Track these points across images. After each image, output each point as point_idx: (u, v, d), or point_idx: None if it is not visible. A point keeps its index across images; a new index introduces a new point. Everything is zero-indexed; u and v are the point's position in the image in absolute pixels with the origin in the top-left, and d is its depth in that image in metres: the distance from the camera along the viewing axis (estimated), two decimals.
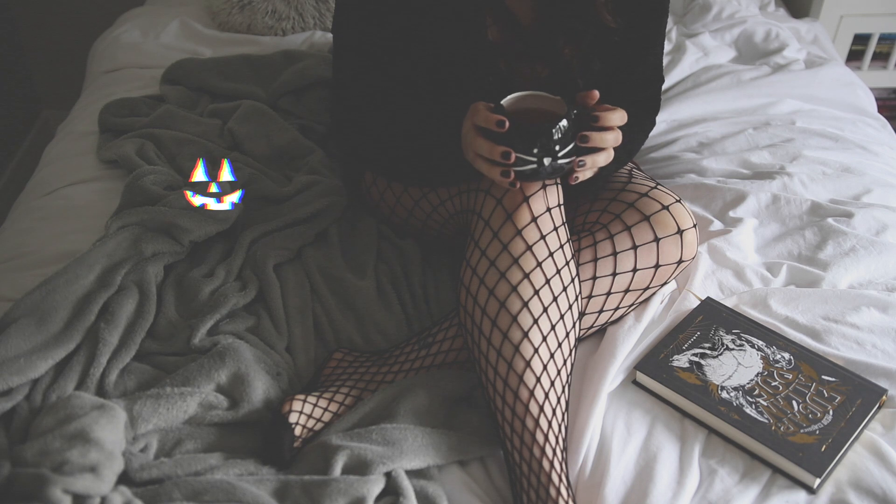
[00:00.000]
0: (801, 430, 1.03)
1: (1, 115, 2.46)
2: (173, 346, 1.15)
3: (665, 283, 1.19)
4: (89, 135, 1.60)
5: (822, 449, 1.00)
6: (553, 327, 1.01)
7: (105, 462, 0.93)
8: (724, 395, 1.08)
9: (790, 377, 1.10)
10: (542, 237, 1.01)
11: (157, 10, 2.01)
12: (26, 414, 1.02)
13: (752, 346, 1.14)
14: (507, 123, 0.94)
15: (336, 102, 1.29)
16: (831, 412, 1.05)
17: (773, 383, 1.09)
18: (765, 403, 1.06)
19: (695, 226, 1.15)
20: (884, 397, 1.07)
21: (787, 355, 1.12)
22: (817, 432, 1.03)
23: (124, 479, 0.98)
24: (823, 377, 1.09)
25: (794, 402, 1.06)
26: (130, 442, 1.01)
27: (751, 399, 1.07)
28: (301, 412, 1.05)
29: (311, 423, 1.05)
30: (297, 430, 1.04)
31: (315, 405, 1.07)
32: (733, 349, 1.14)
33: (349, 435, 1.03)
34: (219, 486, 0.95)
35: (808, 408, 1.06)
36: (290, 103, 1.61)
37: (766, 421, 1.04)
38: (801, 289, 1.24)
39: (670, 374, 1.11)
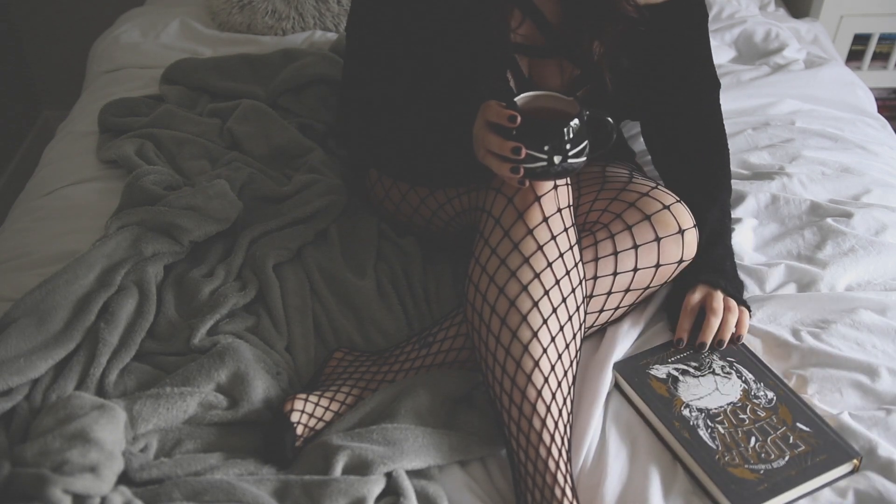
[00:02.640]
0: (746, 466, 0.99)
1: (1, 115, 2.46)
2: (173, 346, 1.15)
3: (665, 283, 1.19)
4: (89, 135, 1.60)
5: (759, 489, 0.97)
6: (562, 328, 1.02)
7: (105, 462, 0.93)
8: (685, 412, 1.06)
9: (762, 415, 1.05)
10: (553, 237, 1.02)
11: (157, 10, 2.01)
12: (26, 414, 1.02)
13: (740, 377, 1.11)
14: (519, 119, 0.95)
15: (345, 100, 1.29)
16: (787, 458, 1.00)
17: (741, 416, 1.06)
18: (722, 431, 1.03)
19: (695, 226, 1.15)
20: (856, 461, 1.00)
21: (770, 394, 1.08)
22: (762, 472, 0.98)
23: (124, 479, 0.98)
24: (797, 424, 1.04)
25: (753, 438, 1.03)
26: (130, 442, 1.00)
27: (710, 424, 1.04)
28: (303, 411, 1.05)
29: (312, 423, 1.06)
30: (299, 430, 1.04)
31: (317, 404, 1.07)
32: (718, 374, 1.11)
33: (350, 435, 1.03)
34: (219, 486, 0.95)
35: (764, 447, 1.01)
36: (290, 102, 1.61)
37: (713, 447, 1.01)
38: (799, 294, 1.23)
39: (642, 380, 1.10)
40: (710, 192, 1.23)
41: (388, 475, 0.99)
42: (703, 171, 1.25)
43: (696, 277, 1.17)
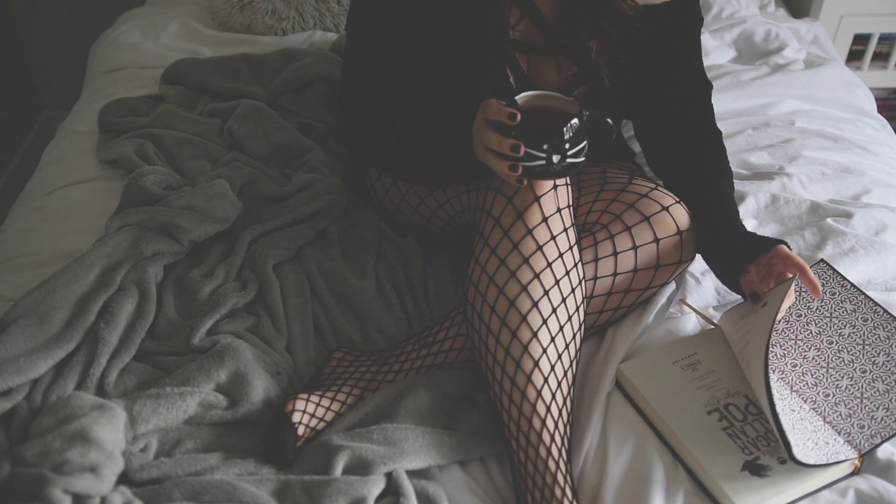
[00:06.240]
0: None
1: (1, 115, 2.46)
2: (173, 346, 1.15)
3: (665, 284, 1.19)
4: (89, 135, 1.60)
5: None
6: (561, 328, 1.02)
7: (105, 462, 0.93)
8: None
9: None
10: (553, 237, 1.02)
11: (157, 10, 2.01)
12: (26, 414, 1.02)
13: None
14: (519, 117, 0.95)
15: (344, 99, 1.29)
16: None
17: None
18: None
19: (693, 227, 1.15)
20: (857, 462, 1.00)
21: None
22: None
23: (124, 479, 0.98)
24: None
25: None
26: (130, 442, 1.01)
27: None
28: (304, 412, 1.05)
29: (313, 423, 1.06)
30: (301, 430, 1.04)
31: (318, 405, 1.07)
32: None
33: (350, 435, 1.03)
34: (219, 486, 0.95)
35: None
36: (290, 101, 1.61)
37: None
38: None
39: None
40: (716, 182, 1.23)
41: (388, 475, 0.99)
42: (703, 166, 1.24)
43: (764, 243, 1.10)
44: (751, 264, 1.08)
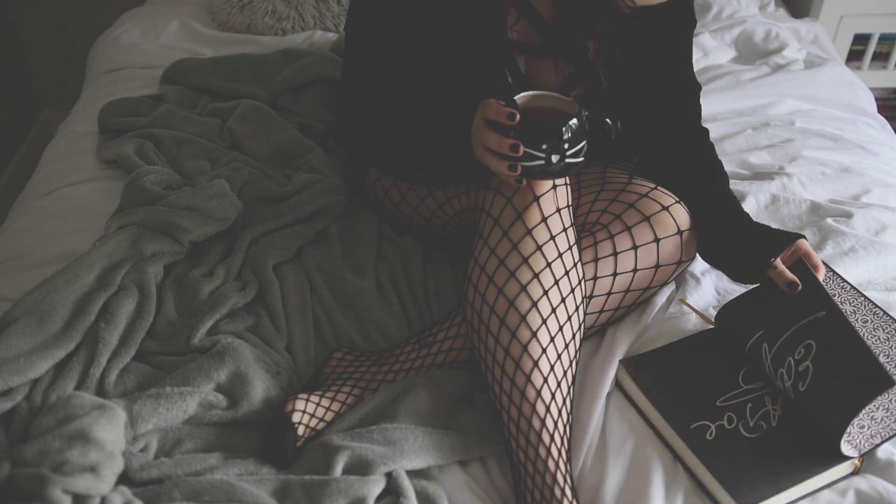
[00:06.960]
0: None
1: (1, 115, 2.46)
2: (173, 346, 1.15)
3: (665, 284, 1.19)
4: (89, 135, 1.60)
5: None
6: (561, 328, 1.02)
7: (105, 462, 0.93)
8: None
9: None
10: (552, 237, 1.02)
11: (157, 10, 2.01)
12: (26, 414, 1.02)
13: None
14: (518, 116, 0.95)
15: (344, 99, 1.29)
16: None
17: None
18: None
19: (693, 227, 1.15)
20: (857, 462, 1.00)
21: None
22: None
23: (124, 479, 0.98)
24: None
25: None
26: (130, 442, 1.01)
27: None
28: (304, 412, 1.05)
29: (313, 423, 1.06)
30: (301, 430, 1.04)
31: (318, 405, 1.07)
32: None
33: (350, 435, 1.03)
34: (219, 486, 0.95)
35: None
36: (290, 101, 1.61)
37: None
38: None
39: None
40: (715, 179, 1.23)
41: (388, 475, 0.99)
42: (700, 164, 1.25)
43: (784, 236, 1.12)
44: (774, 259, 1.09)
